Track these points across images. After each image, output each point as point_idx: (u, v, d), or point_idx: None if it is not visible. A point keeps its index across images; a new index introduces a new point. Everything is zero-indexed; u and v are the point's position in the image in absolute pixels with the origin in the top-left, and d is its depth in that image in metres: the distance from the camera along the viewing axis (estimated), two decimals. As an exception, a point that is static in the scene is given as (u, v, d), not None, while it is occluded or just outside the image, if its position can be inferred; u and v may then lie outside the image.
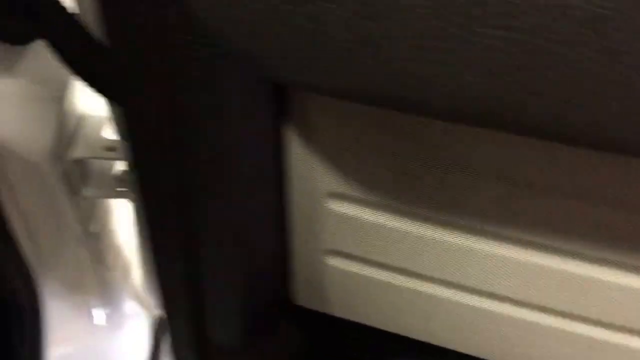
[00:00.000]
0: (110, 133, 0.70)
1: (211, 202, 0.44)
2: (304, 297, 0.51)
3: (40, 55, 0.62)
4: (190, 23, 0.33)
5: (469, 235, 0.42)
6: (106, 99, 0.57)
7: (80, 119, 0.68)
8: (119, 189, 0.70)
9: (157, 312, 0.90)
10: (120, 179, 0.70)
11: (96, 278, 0.77)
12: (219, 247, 0.46)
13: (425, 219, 0.43)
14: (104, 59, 0.52)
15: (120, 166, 0.70)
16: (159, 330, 0.91)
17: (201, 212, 0.44)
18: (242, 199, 0.44)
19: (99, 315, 0.80)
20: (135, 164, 0.43)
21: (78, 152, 0.65)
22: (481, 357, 0.51)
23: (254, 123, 0.41)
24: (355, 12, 0.27)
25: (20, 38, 0.59)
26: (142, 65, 0.37)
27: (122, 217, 0.80)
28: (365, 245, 0.45)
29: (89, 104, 0.69)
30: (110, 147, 0.66)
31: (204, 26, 0.31)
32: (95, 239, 0.74)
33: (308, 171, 0.43)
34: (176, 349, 0.57)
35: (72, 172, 0.67)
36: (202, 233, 0.45)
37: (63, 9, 0.56)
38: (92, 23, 0.48)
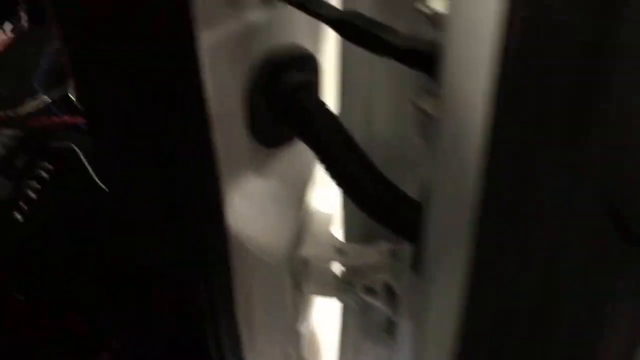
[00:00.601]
0: (337, 231, 0.68)
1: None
2: None
3: (289, 155, 0.61)
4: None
5: None
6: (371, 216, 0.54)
7: (309, 214, 0.67)
8: (337, 288, 0.68)
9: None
10: (338, 279, 0.68)
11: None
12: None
13: None
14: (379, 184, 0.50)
15: (340, 265, 0.68)
16: None
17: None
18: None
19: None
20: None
21: (308, 251, 0.64)
22: None
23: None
24: None
25: (277, 140, 0.58)
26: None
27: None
28: None
29: (317, 199, 0.68)
30: (339, 250, 0.64)
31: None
32: (300, 336, 0.73)
33: None
34: None
35: (299, 269, 0.65)
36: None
37: (330, 113, 0.54)
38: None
